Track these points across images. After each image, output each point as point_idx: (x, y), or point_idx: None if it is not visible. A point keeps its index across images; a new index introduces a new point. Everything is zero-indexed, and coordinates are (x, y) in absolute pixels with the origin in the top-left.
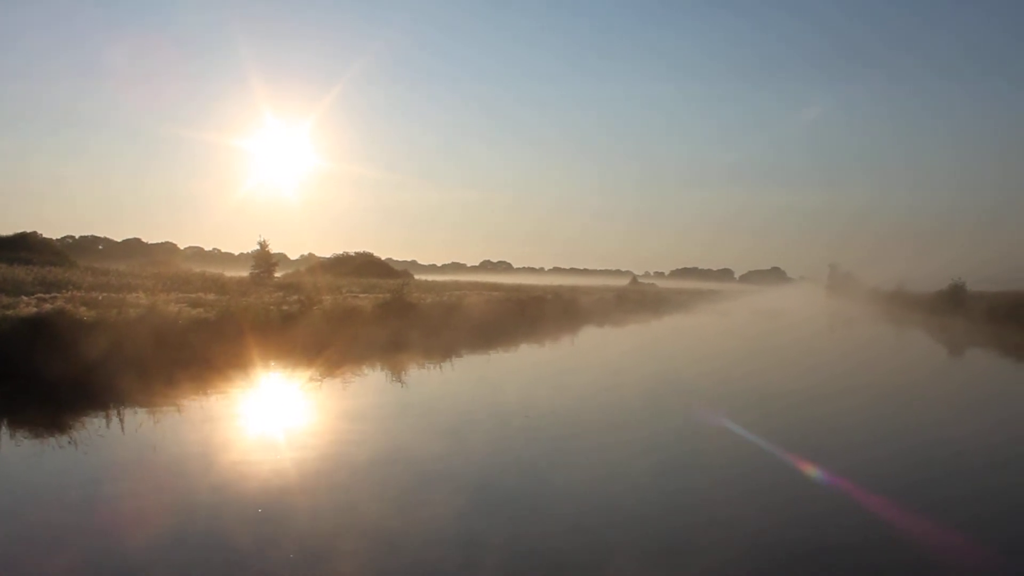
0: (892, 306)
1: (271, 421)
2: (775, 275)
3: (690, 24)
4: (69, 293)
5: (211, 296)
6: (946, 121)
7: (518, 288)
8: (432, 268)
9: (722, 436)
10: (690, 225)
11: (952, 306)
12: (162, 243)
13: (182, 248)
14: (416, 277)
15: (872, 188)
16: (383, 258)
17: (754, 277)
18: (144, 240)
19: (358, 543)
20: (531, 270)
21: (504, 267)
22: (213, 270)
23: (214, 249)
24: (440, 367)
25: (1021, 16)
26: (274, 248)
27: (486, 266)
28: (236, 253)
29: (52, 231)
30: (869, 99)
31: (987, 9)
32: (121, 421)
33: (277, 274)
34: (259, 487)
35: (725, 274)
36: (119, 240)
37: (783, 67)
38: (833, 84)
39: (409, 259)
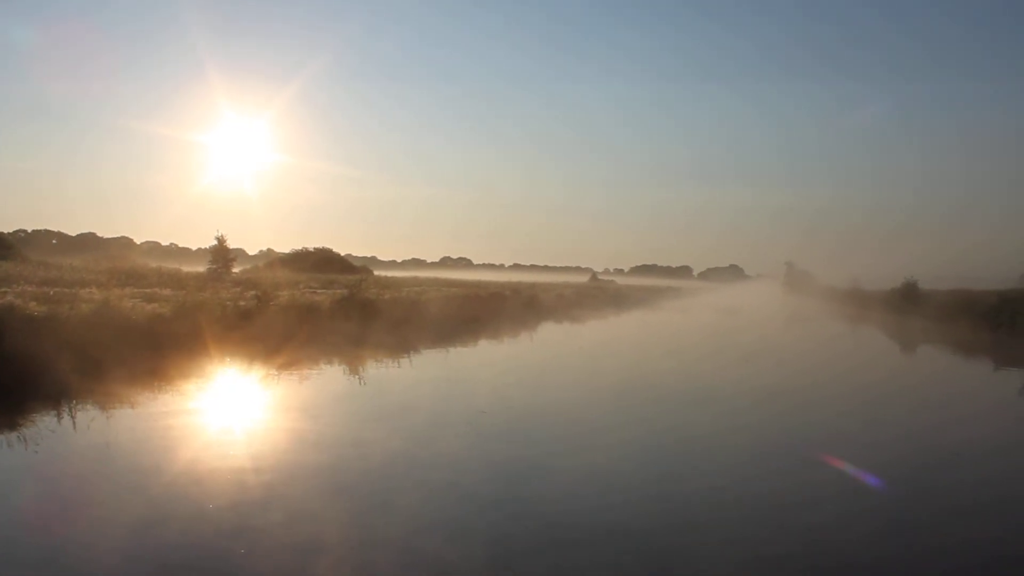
0: (847, 303)
1: (224, 417)
2: (733, 272)
3: (654, 23)
4: (20, 288)
5: (167, 291)
6: (907, 122)
7: (478, 284)
8: (392, 264)
9: (674, 430)
10: (650, 223)
11: (905, 303)
12: (118, 238)
13: (138, 243)
14: (376, 273)
15: (831, 188)
16: (343, 254)
17: (713, 274)
18: (99, 235)
19: (309, 537)
20: (491, 266)
21: (464, 263)
22: (170, 265)
23: (171, 244)
24: (397, 363)
25: (982, 16)
26: (232, 243)
27: (446, 262)
28: (194, 248)
29: (3, 225)
30: (833, 99)
31: (946, 10)
32: (73, 418)
33: (235, 269)
34: (212, 482)
35: (684, 271)
36: (73, 234)
37: (747, 66)
38: (796, 84)
39: (369, 255)
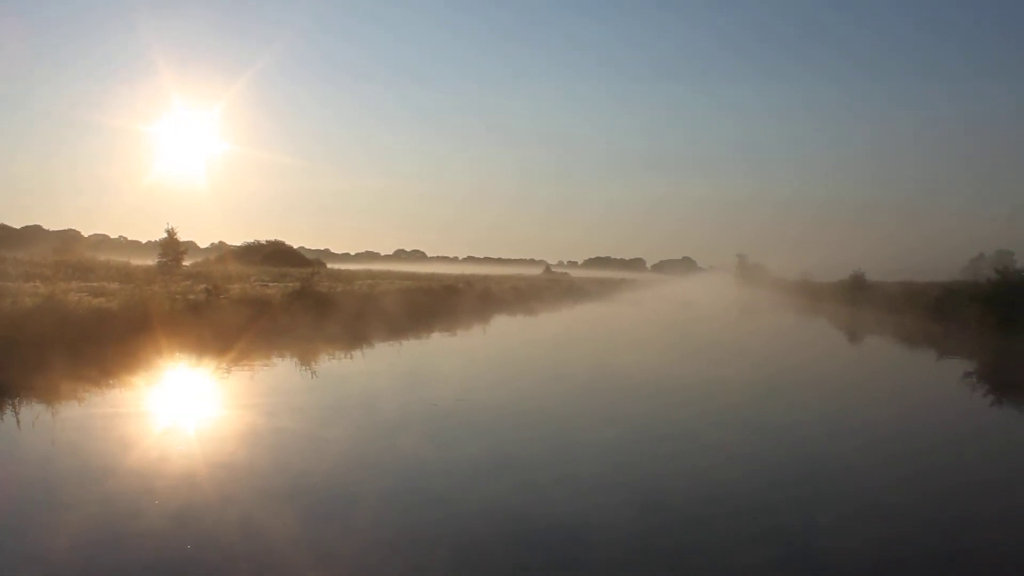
0: (798, 295)
1: (171, 413)
2: (686, 265)
3: (612, 16)
4: None
5: (115, 285)
6: (862, 117)
7: (431, 277)
8: (346, 257)
9: (622, 420)
10: (605, 215)
11: (854, 295)
12: (65, 230)
13: (86, 236)
14: (329, 266)
15: (783, 181)
16: (295, 247)
17: (666, 266)
18: (45, 227)
19: (257, 533)
20: (445, 259)
21: (418, 256)
22: (119, 258)
23: (120, 237)
24: (350, 357)
25: (934, 11)
26: (183, 236)
27: (400, 255)
28: (144, 241)
29: None
30: (790, 93)
31: (903, 7)
32: (16, 415)
33: (186, 263)
34: (158, 479)
35: (637, 263)
36: (18, 227)
37: (705, 60)
38: (753, 79)
39: (322, 248)
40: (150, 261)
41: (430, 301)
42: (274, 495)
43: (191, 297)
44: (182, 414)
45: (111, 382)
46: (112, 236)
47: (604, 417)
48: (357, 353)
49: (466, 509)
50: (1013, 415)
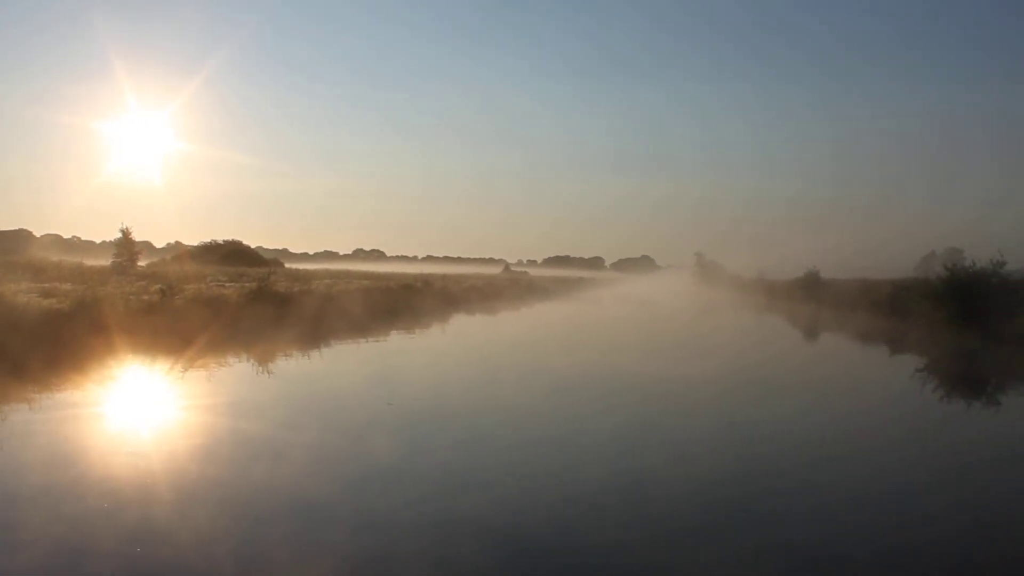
0: (754, 293)
1: (121, 416)
2: (645, 263)
3: (571, 14)
4: None
5: (67, 286)
6: (823, 118)
7: (389, 277)
8: (304, 257)
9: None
10: (564, 214)
11: (807, 292)
12: (16, 230)
13: (38, 236)
14: (287, 266)
15: (742, 180)
16: (253, 247)
17: (625, 265)
18: None
19: (213, 536)
20: (404, 258)
21: (377, 255)
22: (72, 259)
23: (74, 237)
24: (307, 356)
25: (897, 14)
26: (139, 236)
27: (359, 255)
28: (98, 241)
29: None
30: (751, 93)
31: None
32: None
33: (141, 263)
34: (108, 481)
35: (596, 262)
36: None
37: (667, 60)
38: (715, 79)
39: (280, 247)
40: (104, 262)
41: (388, 301)
42: (215, 498)
43: (145, 298)
44: (132, 416)
45: (61, 384)
46: (65, 236)
47: (562, 417)
48: (314, 353)
49: (425, 507)
50: (957, 410)
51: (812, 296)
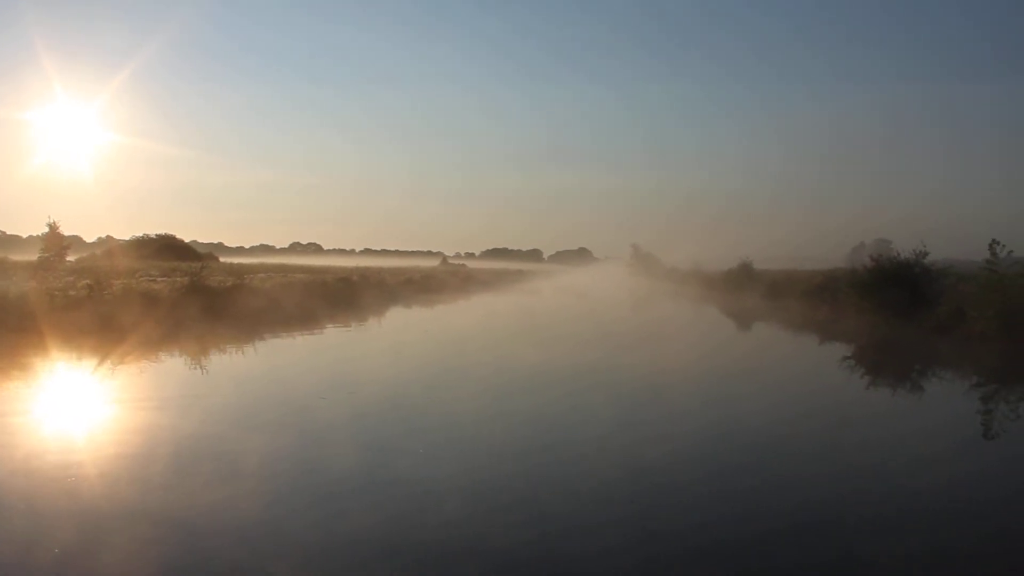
0: (689, 284)
1: (39, 415)
2: (582, 255)
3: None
4: None
5: None
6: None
7: (325, 270)
8: (240, 251)
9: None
10: (502, 207)
11: (740, 283)
12: None
13: None
14: (222, 260)
15: (682, 175)
16: (187, 240)
17: (562, 257)
18: None
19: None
20: (342, 252)
21: (314, 249)
22: None
23: None
24: (240, 352)
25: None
26: (68, 231)
27: (296, 248)
28: (24, 236)
29: None
30: (694, 89)
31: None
32: None
33: (70, 258)
34: (26, 481)
35: (534, 254)
36: None
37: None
38: (657, 74)
39: (215, 241)
40: (31, 257)
41: (325, 294)
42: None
43: (72, 293)
44: (51, 415)
45: None
46: None
47: (499, 411)
48: (248, 348)
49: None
50: (880, 396)
51: (745, 286)
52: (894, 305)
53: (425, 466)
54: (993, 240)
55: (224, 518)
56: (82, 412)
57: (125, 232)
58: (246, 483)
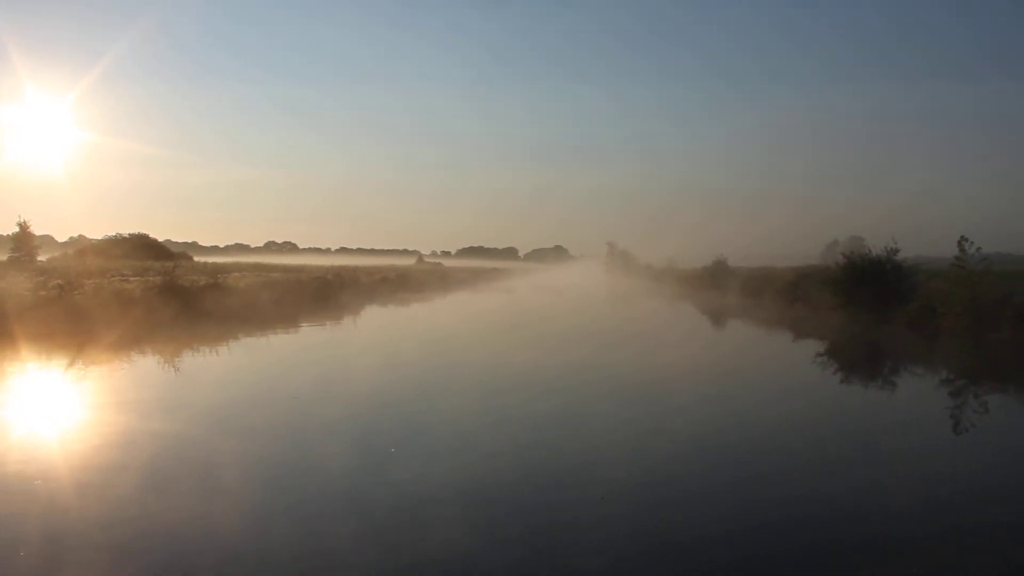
0: (664, 282)
1: (4, 418)
2: (558, 253)
3: (488, 5)
4: None
5: None
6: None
7: (300, 269)
8: (214, 250)
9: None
10: (478, 205)
11: (715, 280)
12: None
13: None
14: (196, 259)
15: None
16: (161, 240)
17: (538, 255)
18: None
19: (99, 540)
20: (317, 251)
21: (290, 248)
22: None
23: None
24: (214, 352)
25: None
26: (39, 230)
27: (271, 247)
28: None
29: None
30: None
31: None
32: None
33: (41, 257)
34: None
35: (510, 252)
36: None
37: (586, 53)
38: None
39: (189, 240)
40: (1, 257)
41: (300, 293)
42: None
43: (42, 293)
44: (17, 418)
45: None
46: None
47: (475, 409)
48: (222, 348)
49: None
50: (852, 391)
51: (719, 283)
52: (866, 301)
53: (395, 467)
54: (962, 237)
55: (198, 524)
56: (49, 415)
57: (98, 232)
58: (215, 484)
